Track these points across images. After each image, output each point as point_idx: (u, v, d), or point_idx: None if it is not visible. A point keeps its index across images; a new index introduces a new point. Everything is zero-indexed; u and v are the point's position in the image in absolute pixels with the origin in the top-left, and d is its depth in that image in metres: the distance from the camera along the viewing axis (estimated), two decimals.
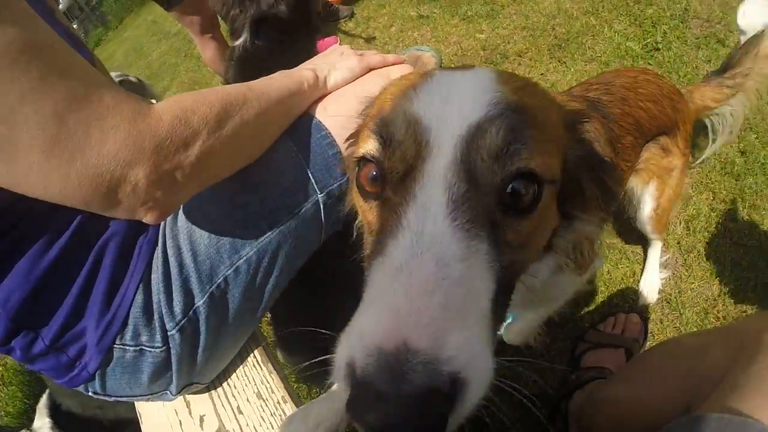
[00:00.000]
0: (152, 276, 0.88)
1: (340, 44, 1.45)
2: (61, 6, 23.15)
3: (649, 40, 2.30)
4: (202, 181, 0.79)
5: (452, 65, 2.56)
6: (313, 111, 1.01)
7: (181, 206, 0.90)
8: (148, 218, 0.72)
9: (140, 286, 0.87)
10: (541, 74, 2.25)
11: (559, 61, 2.29)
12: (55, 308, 0.82)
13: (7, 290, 0.78)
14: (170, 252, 0.89)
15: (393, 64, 1.11)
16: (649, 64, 2.16)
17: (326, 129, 0.97)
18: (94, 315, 0.84)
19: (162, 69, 5.43)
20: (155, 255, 0.89)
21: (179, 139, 0.71)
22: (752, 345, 0.71)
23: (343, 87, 1.04)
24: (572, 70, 2.21)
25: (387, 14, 3.44)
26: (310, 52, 1.72)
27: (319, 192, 0.96)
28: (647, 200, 1.37)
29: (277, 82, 0.94)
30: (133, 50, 7.77)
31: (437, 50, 2.72)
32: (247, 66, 1.53)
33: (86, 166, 0.62)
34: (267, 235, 0.93)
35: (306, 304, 1.29)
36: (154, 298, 0.87)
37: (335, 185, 0.98)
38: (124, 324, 0.85)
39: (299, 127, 0.98)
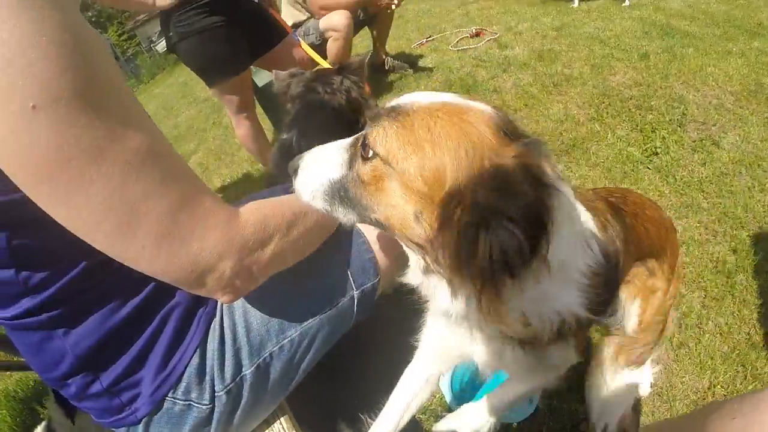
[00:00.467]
0: (208, 343, 1.02)
1: None
2: None
3: (648, 146, 2.50)
4: (270, 273, 0.94)
5: None
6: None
7: None
8: (223, 299, 0.87)
9: (197, 350, 1.00)
10: None
11: (565, 166, 2.49)
12: (118, 358, 0.92)
13: (80, 336, 0.88)
14: (226, 325, 1.04)
15: None
16: (648, 168, 2.35)
17: (364, 235, 1.16)
18: (153, 369, 0.94)
19: (189, 132, 5.61)
20: (213, 326, 1.04)
21: (259, 241, 0.87)
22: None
23: None
24: (576, 174, 2.40)
25: None
26: None
27: (355, 289, 1.14)
28: (632, 314, 1.41)
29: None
30: (162, 108, 7.89)
31: None
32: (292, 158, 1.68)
33: (187, 255, 0.76)
34: (309, 321, 1.09)
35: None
36: (208, 362, 1.01)
37: (368, 284, 1.15)
38: (179, 380, 0.97)
39: (342, 232, 1.15)
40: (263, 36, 2.86)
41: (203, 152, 4.71)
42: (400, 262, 0.96)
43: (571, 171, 2.44)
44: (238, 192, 3.47)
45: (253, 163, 3.60)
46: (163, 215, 0.73)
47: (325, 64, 2.88)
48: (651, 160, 2.41)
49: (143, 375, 0.95)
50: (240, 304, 1.07)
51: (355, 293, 1.15)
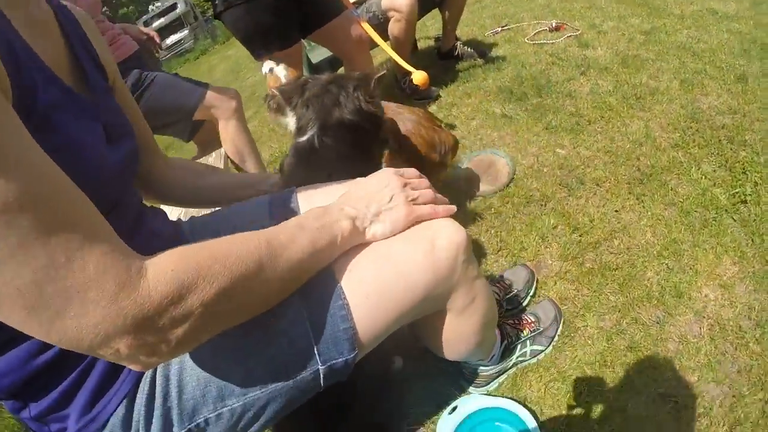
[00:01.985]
0: (137, 395, 0.89)
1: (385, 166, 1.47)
2: (178, 10, 24.50)
3: (737, 190, 2.17)
4: (191, 347, 0.77)
5: (526, 179, 2.50)
6: (338, 270, 0.95)
7: None
8: (133, 368, 0.71)
9: (124, 400, 0.88)
10: (616, 211, 2.15)
11: (638, 199, 2.18)
12: (44, 395, 0.84)
13: (3, 369, 0.80)
14: (158, 380, 0.89)
15: (442, 216, 1.04)
16: (733, 219, 2.03)
17: (345, 299, 0.92)
18: (78, 409, 0.85)
19: (251, 99, 5.63)
20: (144, 376, 0.90)
21: (167, 319, 0.66)
22: None
23: (379, 249, 1.00)
24: (649, 213, 2.10)
25: (471, 105, 3.43)
26: (377, 164, 1.71)
27: (320, 364, 0.92)
28: None
29: (307, 234, 0.87)
30: (231, 70, 8.13)
31: (513, 158, 2.66)
32: (310, 163, 1.53)
33: (65, 332, 0.60)
34: (256, 392, 0.90)
35: None
36: (135, 416, 0.88)
37: (340, 360, 0.92)
38: (103, 427, 0.87)
39: (316, 287, 0.93)
40: (318, 10, 2.73)
41: (258, 121, 4.58)
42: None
43: (644, 207, 2.15)
44: None
45: None
46: (26, 286, 0.57)
47: (384, 46, 2.70)
48: (738, 210, 2.09)
49: (70, 412, 0.87)
50: (177, 359, 0.90)
51: (321, 368, 0.92)
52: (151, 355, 0.68)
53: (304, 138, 1.54)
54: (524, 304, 1.84)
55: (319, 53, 3.55)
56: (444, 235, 0.99)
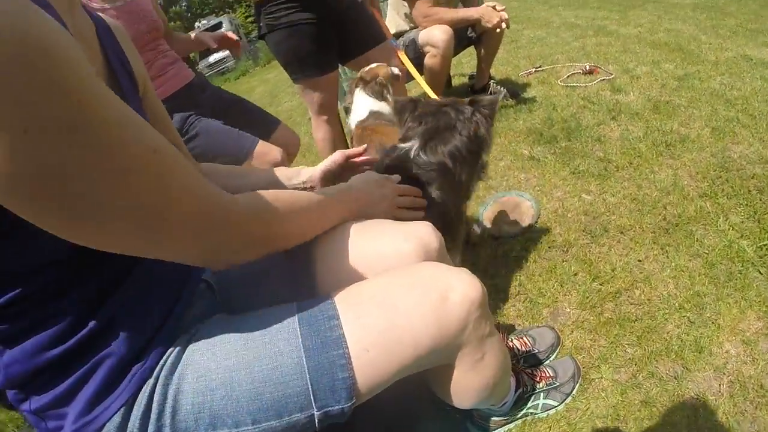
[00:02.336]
0: (134, 407, 0.91)
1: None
2: (223, 29, 25.21)
3: (765, 243, 2.13)
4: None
5: (550, 224, 2.50)
6: (344, 315, 0.98)
7: (184, 362, 0.94)
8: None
9: (122, 408, 0.90)
10: (639, 260, 2.12)
11: (662, 249, 2.16)
12: (48, 389, 0.87)
13: (11, 359, 0.84)
14: (156, 397, 0.91)
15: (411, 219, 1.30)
16: (760, 272, 1.99)
17: (347, 347, 0.94)
18: (77, 410, 0.88)
19: (287, 123, 5.67)
20: (144, 388, 0.92)
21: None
22: None
23: (386, 294, 1.02)
24: (673, 264, 2.07)
25: (500, 145, 3.45)
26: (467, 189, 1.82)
27: (316, 410, 0.93)
28: None
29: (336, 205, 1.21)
30: (269, 93, 8.34)
31: (538, 201, 2.67)
32: (401, 170, 1.58)
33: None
34: (247, 427, 0.92)
35: None
36: (129, 426, 0.90)
37: (336, 408, 0.94)
38: (98, 430, 0.89)
39: (320, 332, 0.96)
40: (358, 37, 2.82)
41: None
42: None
43: (668, 257, 2.12)
44: None
45: None
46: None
47: (419, 79, 2.84)
48: (765, 262, 2.05)
49: (69, 411, 0.89)
50: (177, 380, 0.93)
51: (316, 413, 0.93)
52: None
53: (405, 146, 1.66)
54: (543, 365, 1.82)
55: None
56: (458, 289, 1.00)
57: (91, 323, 0.87)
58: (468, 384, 1.15)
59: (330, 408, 0.93)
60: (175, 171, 0.76)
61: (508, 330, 1.93)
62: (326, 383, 0.93)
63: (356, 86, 2.81)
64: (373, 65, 2.79)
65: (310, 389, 0.92)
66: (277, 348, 0.93)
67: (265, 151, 2.47)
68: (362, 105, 2.79)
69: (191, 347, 0.96)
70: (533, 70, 4.80)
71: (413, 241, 1.17)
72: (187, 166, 0.78)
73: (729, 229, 2.24)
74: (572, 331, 1.88)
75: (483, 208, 2.71)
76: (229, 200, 0.86)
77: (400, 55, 2.91)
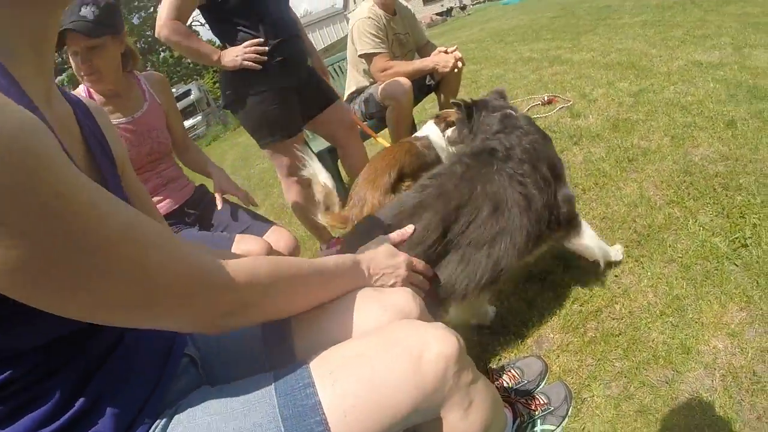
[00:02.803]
0: None
1: None
2: (192, 96, 25.31)
3: (737, 235, 2.18)
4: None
5: None
6: (320, 381, 0.97)
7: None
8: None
9: None
10: (615, 276, 2.16)
11: (636, 261, 2.20)
12: None
13: None
14: None
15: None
16: (735, 265, 2.03)
17: (324, 414, 0.93)
18: None
19: (259, 185, 5.91)
20: None
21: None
22: None
23: (362, 358, 1.01)
24: (649, 273, 2.11)
25: None
26: None
27: None
28: None
29: (345, 277, 1.20)
30: (240, 158, 8.44)
31: None
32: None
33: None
34: None
35: None
36: None
37: None
38: None
39: (297, 400, 0.96)
40: (316, 99, 2.97)
41: (267, 207, 4.78)
42: None
43: (643, 268, 2.16)
44: None
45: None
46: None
47: (374, 135, 3.26)
48: (739, 254, 2.09)
49: None
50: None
51: None
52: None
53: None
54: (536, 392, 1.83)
55: (319, 143, 3.74)
56: (433, 348, 0.98)
57: (79, 402, 0.87)
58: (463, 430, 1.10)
59: None
60: (154, 240, 0.77)
61: (496, 365, 1.95)
62: None
63: (433, 119, 3.03)
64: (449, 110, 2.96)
65: None
66: (255, 420, 0.94)
67: (248, 249, 2.34)
68: (426, 129, 3.01)
69: (175, 420, 0.96)
70: None
71: (390, 310, 1.16)
72: (167, 236, 0.81)
73: (699, 229, 2.29)
74: (558, 356, 1.90)
75: None
76: (217, 265, 0.87)
77: (352, 113, 3.17)
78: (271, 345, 1.19)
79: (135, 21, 26.71)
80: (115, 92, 2.29)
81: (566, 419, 1.69)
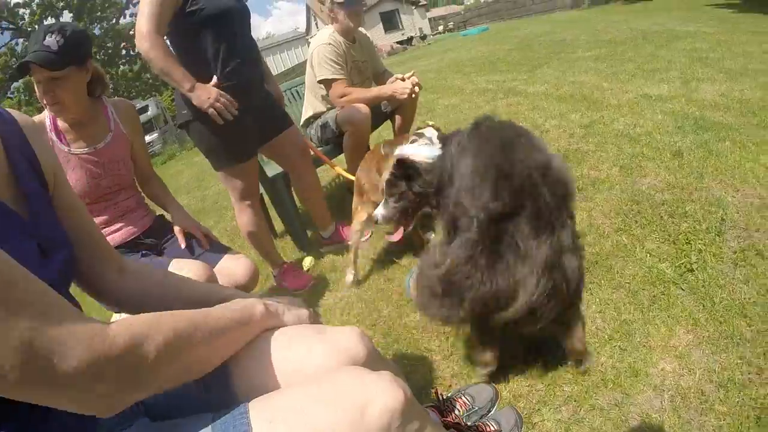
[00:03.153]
0: None
1: None
2: (149, 113, 24.84)
3: (683, 261, 2.25)
4: (150, 392, 0.88)
5: None
6: (253, 411, 0.95)
7: None
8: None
9: None
10: None
11: (585, 288, 2.22)
12: None
13: None
14: None
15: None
16: (682, 289, 2.09)
17: None
18: None
19: (212, 208, 5.85)
20: None
21: (131, 362, 0.81)
22: None
23: (301, 407, 0.96)
24: (597, 299, 2.15)
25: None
26: None
27: None
28: None
29: (231, 312, 1.07)
30: (195, 177, 8.37)
31: None
32: None
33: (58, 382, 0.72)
34: None
35: None
36: None
37: None
38: None
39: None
40: (272, 124, 3.03)
41: (219, 231, 4.71)
42: None
43: (591, 294, 2.20)
44: None
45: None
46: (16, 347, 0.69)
47: (327, 161, 3.40)
48: (685, 279, 2.15)
49: None
50: None
51: None
52: (128, 394, 0.83)
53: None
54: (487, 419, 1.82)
55: (273, 167, 3.74)
56: (378, 401, 0.93)
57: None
58: None
59: None
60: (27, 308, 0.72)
61: (447, 392, 1.95)
62: None
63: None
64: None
65: None
66: None
67: (188, 274, 2.13)
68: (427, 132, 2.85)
69: None
70: None
71: (336, 353, 1.11)
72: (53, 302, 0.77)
73: (647, 255, 2.36)
74: (509, 381, 1.91)
75: (409, 277, 2.75)
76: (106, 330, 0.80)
77: (306, 141, 3.24)
78: (208, 384, 1.12)
79: (96, 32, 26.35)
80: (78, 121, 2.25)
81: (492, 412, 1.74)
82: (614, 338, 1.95)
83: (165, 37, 2.44)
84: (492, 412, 1.82)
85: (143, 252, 2.40)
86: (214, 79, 2.53)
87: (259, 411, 0.95)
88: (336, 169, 3.36)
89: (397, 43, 30.28)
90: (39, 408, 0.84)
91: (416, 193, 2.11)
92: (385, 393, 0.94)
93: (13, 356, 0.68)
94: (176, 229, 2.47)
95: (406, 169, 2.09)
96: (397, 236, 2.41)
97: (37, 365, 0.70)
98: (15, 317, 0.69)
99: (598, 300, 2.15)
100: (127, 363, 0.80)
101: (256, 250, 3.28)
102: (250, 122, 2.75)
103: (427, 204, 2.13)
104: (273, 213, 4.10)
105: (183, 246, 2.42)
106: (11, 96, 21.21)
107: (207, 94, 2.45)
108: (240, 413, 0.96)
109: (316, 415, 0.92)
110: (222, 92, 2.48)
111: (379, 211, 2.30)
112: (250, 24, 2.81)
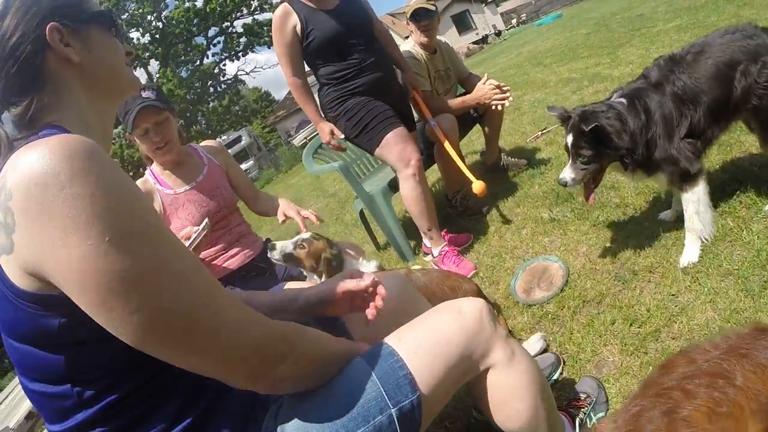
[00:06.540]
0: None
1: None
2: (243, 142, 26.06)
3: None
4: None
5: (580, 280, 2.52)
6: (390, 341, 1.24)
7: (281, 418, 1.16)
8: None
9: None
10: (672, 295, 2.11)
11: (693, 278, 2.13)
12: None
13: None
14: None
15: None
16: None
17: (398, 354, 1.19)
18: None
19: (311, 227, 5.81)
20: None
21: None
22: None
23: (417, 321, 1.31)
24: (706, 289, 2.04)
25: (521, 214, 3.55)
26: None
27: (392, 407, 1.12)
28: None
29: (345, 350, 1.27)
30: (294, 198, 8.72)
31: (565, 261, 2.70)
32: None
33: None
34: None
35: None
36: None
37: (407, 402, 1.13)
38: None
39: (375, 355, 1.20)
40: (403, 117, 3.43)
41: None
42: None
43: (699, 284, 2.11)
44: None
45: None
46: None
47: (452, 154, 3.53)
48: None
49: None
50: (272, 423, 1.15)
51: (393, 411, 1.12)
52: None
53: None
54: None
55: (371, 184, 3.92)
56: (466, 303, 1.32)
57: (187, 421, 1.04)
58: (509, 384, 1.30)
59: (402, 404, 1.12)
60: (216, 284, 0.97)
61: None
62: (392, 383, 1.14)
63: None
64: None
65: (382, 391, 1.12)
66: (349, 375, 1.18)
67: None
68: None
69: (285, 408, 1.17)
70: (540, 133, 4.96)
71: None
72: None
73: (754, 239, 2.21)
74: (618, 379, 1.85)
75: (514, 280, 2.75)
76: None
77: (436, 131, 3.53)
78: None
79: (183, 74, 27.80)
80: (177, 162, 2.63)
81: (609, 402, 1.79)
82: (725, 330, 1.86)
83: (325, 64, 3.20)
84: (553, 379, 2.00)
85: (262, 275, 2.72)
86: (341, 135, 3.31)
87: (386, 338, 1.27)
88: (457, 161, 3.46)
89: (473, 43, 30.02)
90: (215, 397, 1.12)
91: (608, 154, 2.29)
92: (470, 299, 1.36)
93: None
94: (279, 215, 2.70)
95: (597, 134, 2.20)
96: (591, 199, 2.49)
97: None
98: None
99: (707, 290, 2.04)
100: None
101: (417, 222, 3.38)
102: (391, 102, 3.28)
103: (618, 159, 2.30)
104: (375, 226, 4.30)
105: (281, 220, 2.68)
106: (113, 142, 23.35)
107: (326, 130, 3.28)
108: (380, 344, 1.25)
109: (427, 321, 1.31)
110: (333, 128, 3.28)
111: (568, 174, 2.38)
112: (369, 30, 3.29)
